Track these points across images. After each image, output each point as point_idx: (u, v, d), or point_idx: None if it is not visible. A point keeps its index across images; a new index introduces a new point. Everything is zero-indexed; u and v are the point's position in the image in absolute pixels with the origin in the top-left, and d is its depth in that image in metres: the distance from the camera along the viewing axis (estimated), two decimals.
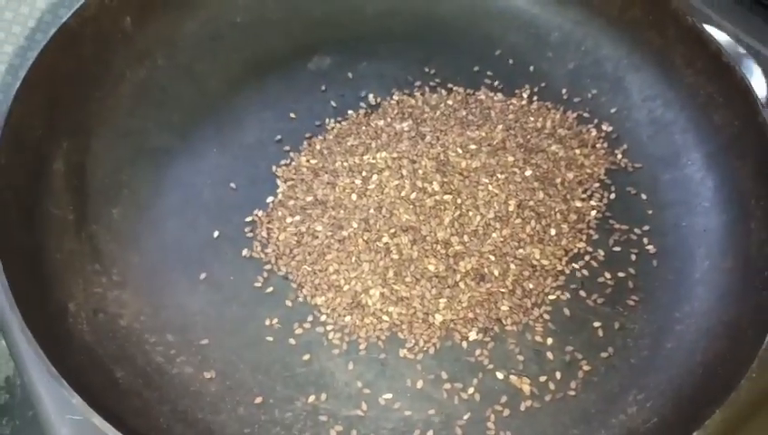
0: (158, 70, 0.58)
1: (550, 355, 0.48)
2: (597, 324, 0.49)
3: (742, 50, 0.59)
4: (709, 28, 0.56)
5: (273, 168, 0.55)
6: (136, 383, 0.44)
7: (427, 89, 0.60)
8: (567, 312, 0.50)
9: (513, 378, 0.47)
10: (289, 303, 0.49)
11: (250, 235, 0.52)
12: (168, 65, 0.58)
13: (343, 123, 0.57)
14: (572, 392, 0.47)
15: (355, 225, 0.50)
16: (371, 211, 0.51)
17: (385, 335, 0.48)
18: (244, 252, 0.51)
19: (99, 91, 0.54)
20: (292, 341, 0.48)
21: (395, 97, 0.59)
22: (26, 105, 0.48)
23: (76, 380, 0.39)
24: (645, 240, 0.53)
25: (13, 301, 0.40)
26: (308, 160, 0.55)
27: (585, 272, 0.51)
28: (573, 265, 0.52)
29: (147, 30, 0.57)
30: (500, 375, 0.47)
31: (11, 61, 0.69)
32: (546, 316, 0.49)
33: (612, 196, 0.55)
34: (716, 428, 0.40)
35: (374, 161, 0.53)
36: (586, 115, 0.59)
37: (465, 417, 0.45)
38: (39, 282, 0.45)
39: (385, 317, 0.48)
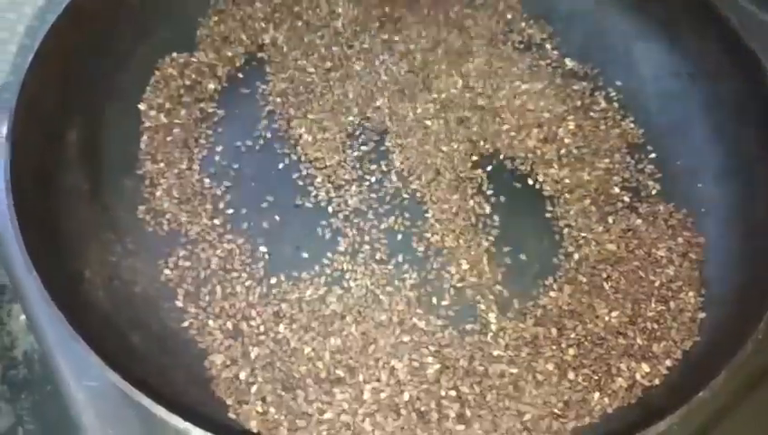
0: (166, 45, 0.58)
1: None
2: None
3: None
4: None
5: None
6: (151, 348, 0.45)
7: None
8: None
9: None
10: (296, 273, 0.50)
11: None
12: (174, 40, 0.59)
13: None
14: None
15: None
16: None
17: None
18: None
19: (109, 67, 0.55)
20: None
21: None
22: (38, 79, 0.48)
23: (93, 342, 0.40)
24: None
25: (32, 266, 0.41)
26: None
27: None
28: None
29: (153, 7, 0.58)
30: None
31: (21, 41, 0.69)
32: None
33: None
34: (722, 389, 0.40)
35: None
36: (596, 86, 0.59)
37: None
38: (55, 250, 0.46)
39: None
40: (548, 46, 0.62)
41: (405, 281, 0.50)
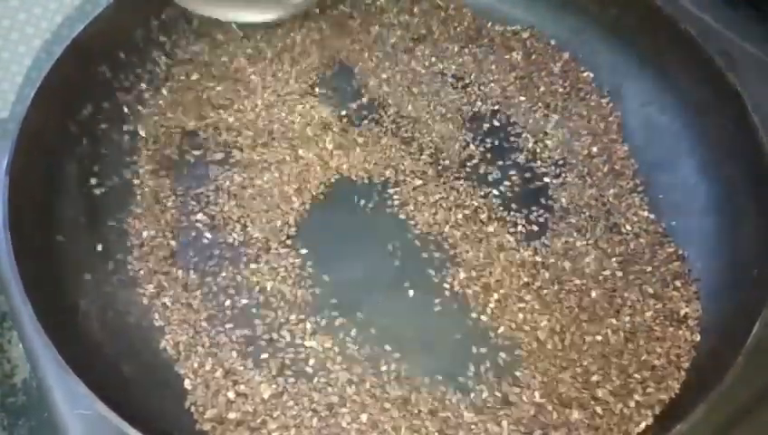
0: (165, 82, 0.60)
1: None
2: None
3: None
4: None
5: None
6: (142, 378, 0.46)
7: None
8: None
9: None
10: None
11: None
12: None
13: None
14: None
15: None
16: None
17: None
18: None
19: (110, 101, 0.56)
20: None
21: None
22: (40, 112, 0.50)
23: (84, 372, 0.41)
24: None
25: (25, 296, 0.42)
26: None
27: None
28: None
29: (155, 43, 0.59)
30: None
31: (28, 73, 0.71)
32: None
33: None
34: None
35: None
36: None
37: None
38: (51, 281, 0.47)
39: None
40: None
41: None
